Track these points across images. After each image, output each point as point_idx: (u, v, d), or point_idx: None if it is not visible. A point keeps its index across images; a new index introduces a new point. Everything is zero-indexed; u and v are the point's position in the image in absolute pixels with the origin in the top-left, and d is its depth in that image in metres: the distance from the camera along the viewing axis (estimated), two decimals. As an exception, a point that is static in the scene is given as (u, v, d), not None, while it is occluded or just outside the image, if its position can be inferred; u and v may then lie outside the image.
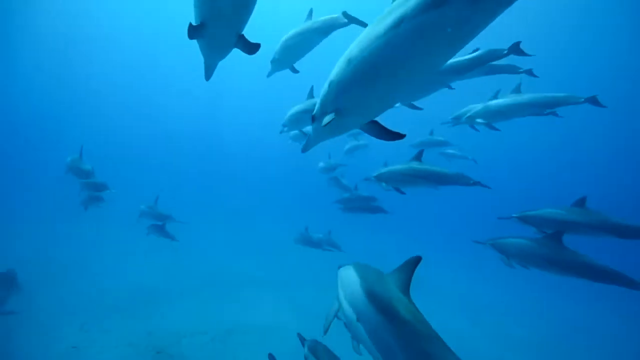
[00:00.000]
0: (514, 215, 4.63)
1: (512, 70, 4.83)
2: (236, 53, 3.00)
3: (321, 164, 10.06)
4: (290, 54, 4.94)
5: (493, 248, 4.54)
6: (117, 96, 37.37)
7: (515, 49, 4.47)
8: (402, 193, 5.39)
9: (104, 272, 9.09)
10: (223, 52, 2.93)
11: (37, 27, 27.95)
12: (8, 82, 31.32)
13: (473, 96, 6.19)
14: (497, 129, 5.62)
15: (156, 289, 8.40)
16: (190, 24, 2.41)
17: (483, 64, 4.41)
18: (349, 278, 2.49)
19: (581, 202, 4.21)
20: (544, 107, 4.87)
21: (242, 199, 25.47)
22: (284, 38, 4.85)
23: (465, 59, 4.39)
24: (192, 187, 26.74)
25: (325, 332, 2.80)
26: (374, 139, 2.40)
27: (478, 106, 5.57)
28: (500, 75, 5.13)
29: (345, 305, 2.44)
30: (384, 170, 5.30)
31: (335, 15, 4.46)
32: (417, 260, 2.12)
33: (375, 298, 2.11)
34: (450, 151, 10.08)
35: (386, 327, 1.92)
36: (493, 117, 5.41)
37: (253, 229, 17.27)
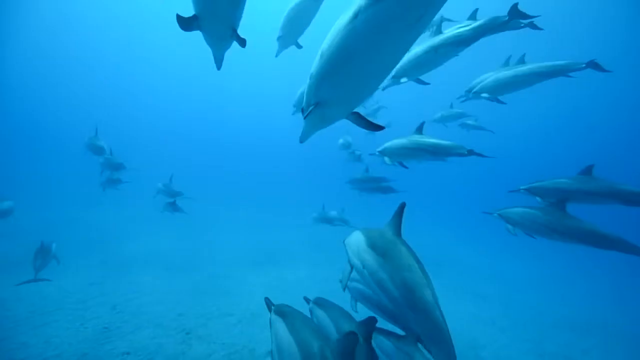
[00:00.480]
0: (522, 187, 4.75)
1: (515, 26, 4.34)
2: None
3: (341, 141, 10.39)
4: (293, 28, 5.05)
5: (500, 218, 4.81)
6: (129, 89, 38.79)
7: (515, 11, 4.14)
8: (405, 167, 5.56)
9: (135, 252, 9.31)
10: (223, 45, 3.05)
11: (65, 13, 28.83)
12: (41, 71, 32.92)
13: (489, 67, 5.77)
14: (503, 102, 5.53)
15: (185, 271, 8.50)
16: (178, 16, 2.50)
17: (486, 33, 4.24)
18: (353, 239, 2.98)
19: (588, 171, 4.23)
20: (547, 76, 4.80)
21: (261, 184, 25.79)
22: (285, 14, 4.93)
23: (469, 30, 4.27)
24: (210, 175, 27.20)
25: (344, 288, 3.41)
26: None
27: (485, 78, 5.48)
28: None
29: (354, 259, 2.87)
30: (387, 144, 5.35)
31: None
32: (402, 206, 2.62)
33: (373, 245, 2.61)
34: (470, 122, 10.13)
35: (380, 264, 2.42)
36: (498, 90, 5.35)
37: (273, 211, 17.35)
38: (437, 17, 4.82)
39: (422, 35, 4.12)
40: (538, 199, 4.61)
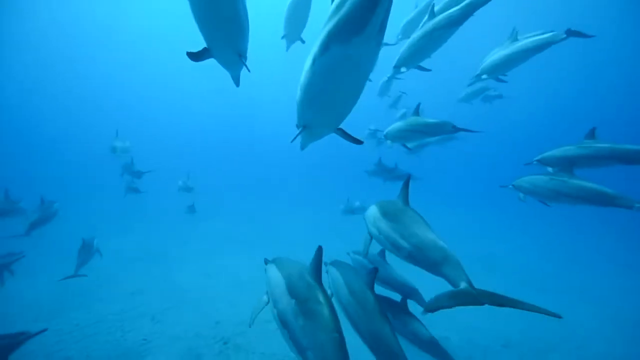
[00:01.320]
0: (535, 159, 4.98)
1: None
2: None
3: (369, 129, 10.52)
4: (293, 25, 5.54)
5: (514, 188, 5.04)
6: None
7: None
8: (408, 149, 5.82)
9: (171, 263, 9.34)
10: (235, 67, 3.28)
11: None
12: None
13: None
14: (504, 81, 6.01)
15: (221, 276, 8.35)
16: (189, 52, 2.85)
17: (475, 9, 4.16)
18: (370, 212, 3.30)
19: (591, 134, 4.43)
20: (537, 51, 4.96)
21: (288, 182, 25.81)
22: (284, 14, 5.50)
23: (458, 9, 4.21)
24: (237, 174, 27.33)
25: (365, 255, 3.78)
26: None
27: (485, 61, 5.73)
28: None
29: (372, 229, 3.19)
30: (388, 128, 5.64)
31: None
32: (407, 179, 3.08)
33: (386, 214, 2.99)
34: (491, 94, 10.18)
35: (393, 228, 2.82)
36: (496, 70, 5.58)
37: (307, 210, 17.03)
38: (428, 2, 5.47)
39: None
40: (549, 169, 4.79)
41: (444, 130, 4.83)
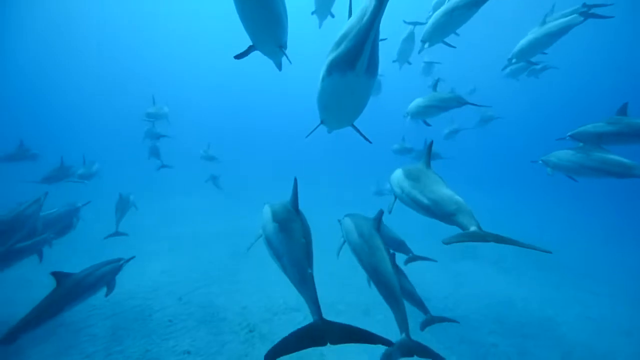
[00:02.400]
0: (568, 134, 5.05)
1: None
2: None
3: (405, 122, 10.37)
4: (322, 1, 5.79)
5: (543, 164, 5.30)
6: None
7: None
8: (428, 125, 6.39)
9: (200, 243, 9.30)
10: (276, 56, 3.51)
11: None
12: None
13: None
14: (535, 63, 6.73)
15: (251, 259, 8.13)
16: (237, 55, 3.34)
17: None
18: (395, 175, 3.67)
19: (623, 110, 4.51)
20: (560, 35, 5.28)
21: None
22: None
23: None
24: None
25: (390, 211, 3.91)
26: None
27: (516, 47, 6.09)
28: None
29: (396, 189, 3.56)
30: (411, 105, 6.05)
31: None
32: (430, 145, 3.39)
33: (409, 175, 3.32)
34: (537, 67, 9.86)
35: (414, 186, 3.12)
36: (526, 54, 5.96)
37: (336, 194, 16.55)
38: None
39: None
40: (581, 144, 4.87)
41: (458, 103, 5.44)
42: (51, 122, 36.97)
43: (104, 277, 4.22)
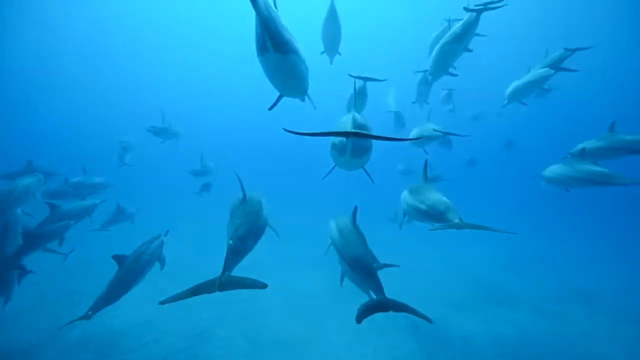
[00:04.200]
0: (570, 152, 5.50)
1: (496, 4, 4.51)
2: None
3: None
4: (328, 42, 6.35)
5: (540, 179, 5.73)
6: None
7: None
8: (425, 152, 6.65)
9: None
10: (301, 98, 4.09)
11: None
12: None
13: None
14: (524, 104, 6.71)
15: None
16: (269, 109, 3.92)
17: (474, 25, 4.55)
18: (403, 194, 4.49)
19: (611, 128, 5.15)
20: (538, 85, 6.12)
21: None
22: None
23: (459, 27, 4.63)
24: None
25: (400, 227, 5.21)
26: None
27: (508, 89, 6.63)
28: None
29: (403, 205, 4.41)
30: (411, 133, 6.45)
31: None
32: (425, 164, 4.38)
33: (411, 192, 4.18)
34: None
35: (415, 199, 3.98)
36: (515, 98, 6.55)
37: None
38: (446, 19, 6.44)
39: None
40: (569, 158, 5.42)
41: (443, 134, 5.99)
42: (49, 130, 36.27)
43: (155, 253, 4.56)
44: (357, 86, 5.11)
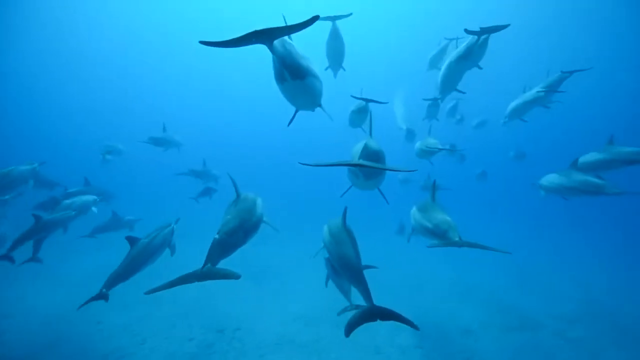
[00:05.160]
0: (569, 165, 5.51)
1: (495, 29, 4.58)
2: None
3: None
4: (332, 58, 6.49)
5: (539, 188, 5.85)
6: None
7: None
8: (431, 163, 7.18)
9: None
10: (313, 109, 4.14)
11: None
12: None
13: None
14: (525, 121, 6.99)
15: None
16: (288, 124, 4.09)
17: (476, 44, 4.69)
18: (412, 211, 4.54)
19: (610, 141, 5.33)
20: (533, 104, 6.67)
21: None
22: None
23: (463, 47, 4.82)
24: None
25: (408, 240, 4.97)
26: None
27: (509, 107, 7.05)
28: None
29: (412, 221, 4.49)
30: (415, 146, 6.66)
31: None
32: (433, 183, 4.47)
33: (419, 209, 4.29)
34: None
35: (422, 216, 4.10)
36: (515, 116, 6.99)
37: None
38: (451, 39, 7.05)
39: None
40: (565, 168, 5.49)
41: (437, 149, 6.16)
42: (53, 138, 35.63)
43: (166, 238, 4.68)
44: (359, 106, 5.42)
